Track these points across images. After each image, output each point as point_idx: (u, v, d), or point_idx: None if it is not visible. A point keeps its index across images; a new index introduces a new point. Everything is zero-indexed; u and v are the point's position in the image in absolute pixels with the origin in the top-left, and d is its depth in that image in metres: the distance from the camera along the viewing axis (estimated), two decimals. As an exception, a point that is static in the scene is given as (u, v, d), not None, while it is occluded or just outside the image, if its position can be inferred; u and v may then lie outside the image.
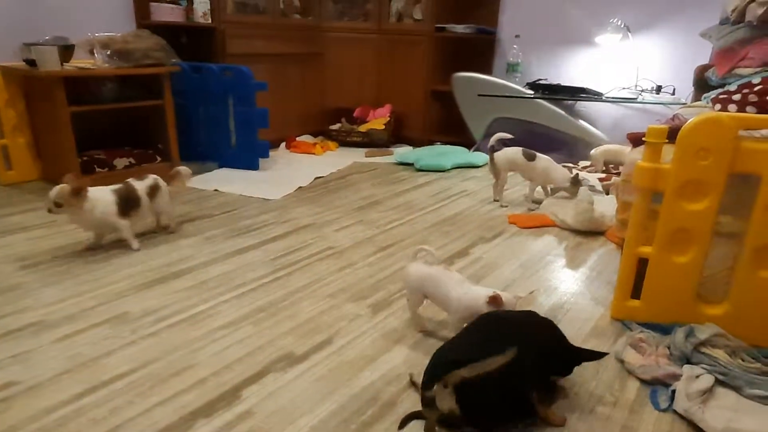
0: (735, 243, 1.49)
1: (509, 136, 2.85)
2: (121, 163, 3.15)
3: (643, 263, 1.61)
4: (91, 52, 2.93)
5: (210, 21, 3.57)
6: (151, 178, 2.29)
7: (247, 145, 3.48)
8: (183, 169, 2.44)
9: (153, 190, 2.27)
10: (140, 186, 2.23)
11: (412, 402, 1.30)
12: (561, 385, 1.37)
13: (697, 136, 1.40)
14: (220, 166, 3.54)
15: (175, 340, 1.55)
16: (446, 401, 1.10)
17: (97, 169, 3.04)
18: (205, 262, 2.09)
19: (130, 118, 3.30)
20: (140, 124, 3.35)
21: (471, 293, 1.45)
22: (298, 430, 1.21)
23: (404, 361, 1.47)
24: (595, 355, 1.33)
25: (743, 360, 1.38)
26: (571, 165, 3.50)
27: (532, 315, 1.36)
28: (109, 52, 2.90)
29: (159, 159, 3.30)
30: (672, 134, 1.48)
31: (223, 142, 3.53)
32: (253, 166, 3.51)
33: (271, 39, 3.97)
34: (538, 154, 2.82)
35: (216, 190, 3.08)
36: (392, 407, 1.28)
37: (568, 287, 1.95)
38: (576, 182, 2.76)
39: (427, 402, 1.15)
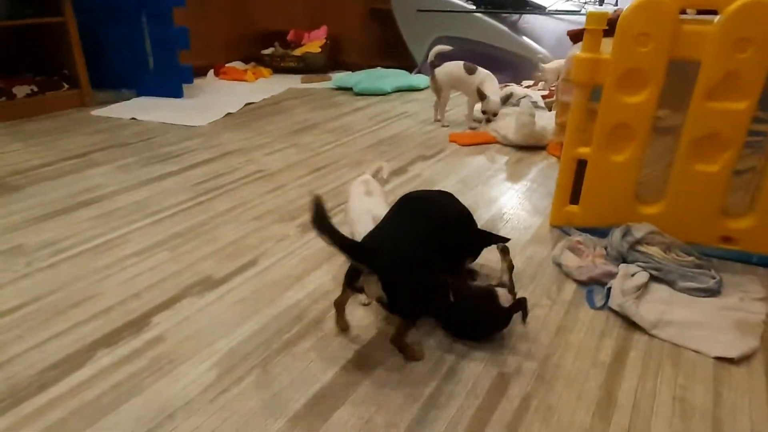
0: (672, 138, 1.43)
1: (449, 48, 2.69)
2: (21, 91, 2.80)
3: (581, 170, 1.54)
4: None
5: (113, -75, 3.12)
6: None
7: (168, 70, 3.17)
8: None
9: None
10: None
11: (349, 316, 1.21)
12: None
13: (637, 19, 1.30)
14: (139, 95, 3.23)
15: (75, 271, 1.38)
16: (374, 289, 1.02)
17: (-8, 98, 2.69)
18: (115, 191, 1.89)
19: (28, 40, 2.91)
20: (42, 48, 2.97)
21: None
22: (214, 352, 1.09)
23: (333, 278, 1.37)
24: (501, 239, 1.31)
25: (677, 255, 1.36)
26: (512, 84, 3.39)
27: (447, 196, 1.30)
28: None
29: (66, 86, 2.96)
30: (612, 25, 1.37)
31: (139, 66, 3.20)
32: (176, 93, 3.22)
33: (187, -51, 3.55)
34: (479, 68, 2.68)
35: (133, 118, 2.81)
36: (318, 324, 1.18)
37: (507, 200, 1.89)
38: (506, 100, 2.70)
39: (356, 289, 1.08)
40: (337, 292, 1.14)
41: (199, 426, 0.91)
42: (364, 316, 1.22)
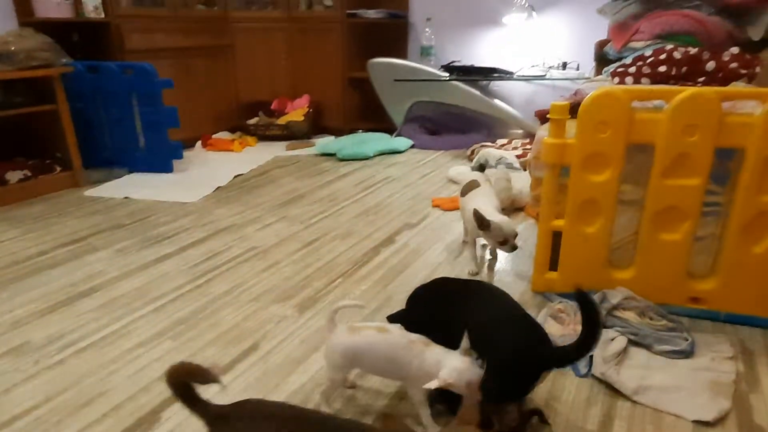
0: (637, 209, 1.57)
1: None
2: (14, 176, 2.87)
3: (558, 236, 1.66)
4: (-35, 57, 2.64)
5: (103, 15, 3.30)
6: None
7: (158, 147, 3.28)
8: None
9: None
10: None
11: (342, 402, 1.27)
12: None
13: (594, 110, 1.45)
14: (130, 171, 3.32)
15: (84, 367, 1.43)
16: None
17: (-14, 186, 2.76)
18: (116, 277, 1.95)
19: (21, 126, 3.01)
20: (34, 133, 3.06)
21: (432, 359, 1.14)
22: (225, 446, 1.15)
23: (333, 358, 1.44)
24: None
25: (651, 319, 1.47)
26: (488, 143, 3.57)
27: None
28: (-14, 56, 2.62)
29: (59, 169, 3.05)
30: (574, 109, 1.53)
31: (130, 145, 3.31)
32: (167, 168, 3.32)
33: (173, 32, 3.74)
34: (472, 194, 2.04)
35: (126, 197, 2.89)
36: (331, 406, 1.24)
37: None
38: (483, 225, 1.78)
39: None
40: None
41: None
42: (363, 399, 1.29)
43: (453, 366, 1.08)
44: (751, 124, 1.35)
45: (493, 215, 1.79)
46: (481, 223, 1.76)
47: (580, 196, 1.55)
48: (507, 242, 1.77)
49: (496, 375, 1.06)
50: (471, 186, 2.03)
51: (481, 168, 2.22)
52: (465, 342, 1.10)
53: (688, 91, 1.36)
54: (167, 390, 1.33)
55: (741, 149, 1.39)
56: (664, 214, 1.49)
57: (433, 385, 1.07)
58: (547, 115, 1.53)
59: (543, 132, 1.68)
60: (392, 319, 1.33)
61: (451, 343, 1.14)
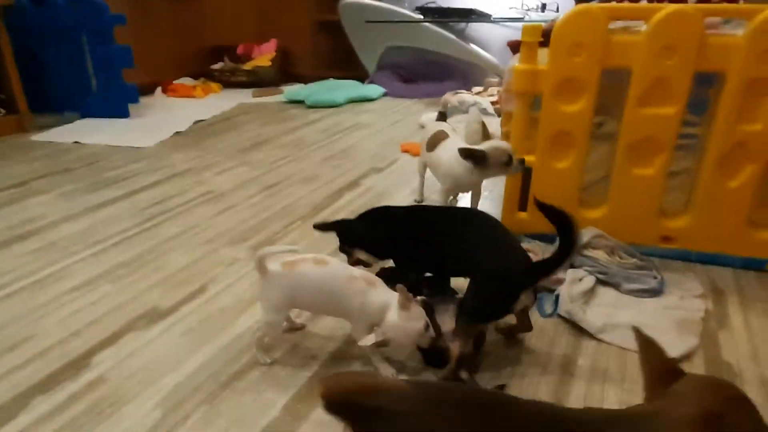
0: (611, 144, 1.47)
1: None
2: (-48, 119, 2.66)
3: (528, 177, 1.57)
4: None
5: (45, -57, 3.01)
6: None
7: (112, 90, 3.08)
8: None
9: None
10: None
11: (292, 341, 1.19)
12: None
13: (569, 30, 1.33)
14: (83, 116, 3.12)
15: (12, 311, 1.31)
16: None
17: None
18: (57, 221, 1.81)
19: (-44, 64, 2.77)
20: (-28, 72, 2.83)
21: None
22: (159, 390, 1.05)
23: (285, 300, 1.34)
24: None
25: (621, 258, 1.40)
26: (463, 90, 3.44)
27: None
28: None
29: (3, 112, 2.83)
30: (548, 36, 1.40)
31: (82, 87, 3.09)
32: (122, 113, 3.12)
33: (127, -34, 3.47)
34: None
35: (76, 142, 2.71)
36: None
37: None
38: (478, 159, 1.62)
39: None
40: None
41: (142, 471, 0.87)
42: (314, 340, 1.20)
43: (391, 323, 1.01)
44: (734, 46, 1.25)
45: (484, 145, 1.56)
46: (475, 156, 1.50)
47: (552, 128, 1.45)
48: (511, 159, 1.48)
49: (477, 293, 1.04)
50: (438, 138, 1.77)
51: (443, 116, 1.92)
52: (402, 295, 1.01)
53: (670, 7, 1.24)
54: (101, 333, 1.24)
55: (722, 74, 1.29)
56: (639, 147, 1.39)
57: (368, 341, 1.00)
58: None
59: (514, 61, 1.56)
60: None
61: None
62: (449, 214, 1.26)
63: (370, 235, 1.25)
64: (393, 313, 1.01)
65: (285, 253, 1.08)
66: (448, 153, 1.65)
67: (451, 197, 1.83)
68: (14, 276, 1.47)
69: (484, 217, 1.21)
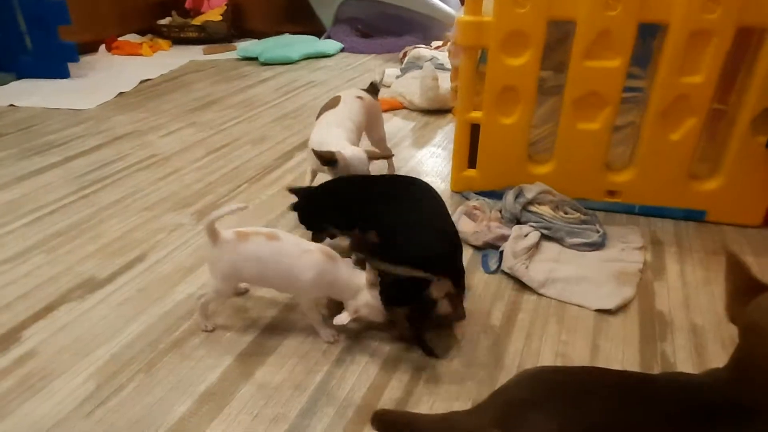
0: (558, 99, 1.46)
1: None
2: None
3: (476, 133, 1.55)
4: None
5: None
6: None
7: (48, 49, 2.87)
8: None
9: None
10: None
11: (234, 306, 1.17)
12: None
13: (513, -20, 1.29)
14: (19, 77, 2.92)
15: (-65, 287, 1.25)
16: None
17: None
18: (-15, 190, 1.71)
19: None
20: None
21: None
22: (93, 361, 1.02)
23: (228, 265, 1.31)
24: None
25: (566, 213, 1.41)
26: (421, 45, 3.35)
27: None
28: None
29: (-74, 73, 2.63)
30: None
31: (15, 47, 2.87)
32: (61, 73, 2.93)
33: None
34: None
35: (11, 105, 2.54)
36: (211, 318, 1.13)
37: (412, 166, 1.88)
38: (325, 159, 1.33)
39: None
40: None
41: (71, 445, 0.85)
42: (251, 307, 1.18)
43: (363, 302, 1.01)
44: (677, -4, 1.23)
45: (344, 146, 1.31)
46: (322, 157, 1.28)
47: (498, 82, 1.42)
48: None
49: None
50: (329, 105, 1.54)
51: (374, 89, 1.66)
52: (370, 274, 1.00)
53: (613, -44, 1.21)
54: (33, 306, 1.19)
55: (665, 25, 1.28)
56: (584, 101, 1.38)
57: (343, 319, 0.99)
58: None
59: (461, 12, 1.51)
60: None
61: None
62: (388, 187, 1.21)
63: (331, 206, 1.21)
64: (365, 293, 1.01)
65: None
66: (321, 127, 1.45)
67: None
68: (-61, 250, 1.39)
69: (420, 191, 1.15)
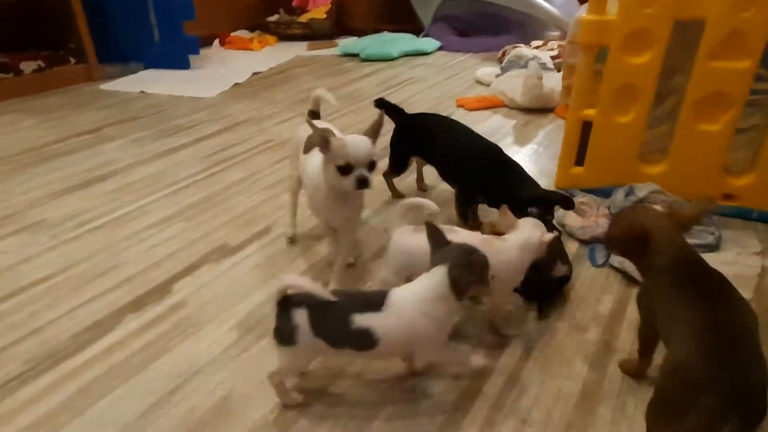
0: (677, 99, 1.44)
1: None
2: (28, 67, 2.83)
3: (586, 132, 1.56)
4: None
5: None
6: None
7: (173, 41, 3.17)
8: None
9: None
10: None
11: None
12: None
13: (641, -21, 1.29)
14: (146, 67, 3.24)
15: (98, 243, 1.45)
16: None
17: (1, 75, 2.72)
18: (130, 165, 1.94)
19: (32, 15, 2.92)
20: (46, 22, 2.98)
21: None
22: (234, 315, 1.16)
23: (345, 243, 1.42)
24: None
25: (679, 214, 1.39)
26: (521, 45, 3.34)
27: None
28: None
29: (73, 61, 2.98)
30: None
31: (145, 38, 3.20)
32: (183, 64, 3.23)
33: None
34: None
35: (142, 91, 2.83)
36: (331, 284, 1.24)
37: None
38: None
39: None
40: (348, 257, 1.18)
41: (223, 380, 0.98)
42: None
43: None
44: (821, -5, 1.19)
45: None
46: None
47: (617, 81, 1.42)
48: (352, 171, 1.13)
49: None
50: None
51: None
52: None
53: (753, -47, 1.18)
54: (179, 265, 1.35)
55: (804, 25, 1.23)
56: (707, 102, 1.36)
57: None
58: (587, -11, 1.37)
59: (582, 11, 1.53)
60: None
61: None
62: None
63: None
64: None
65: (432, 211, 1.03)
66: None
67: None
68: (98, 212, 1.61)
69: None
